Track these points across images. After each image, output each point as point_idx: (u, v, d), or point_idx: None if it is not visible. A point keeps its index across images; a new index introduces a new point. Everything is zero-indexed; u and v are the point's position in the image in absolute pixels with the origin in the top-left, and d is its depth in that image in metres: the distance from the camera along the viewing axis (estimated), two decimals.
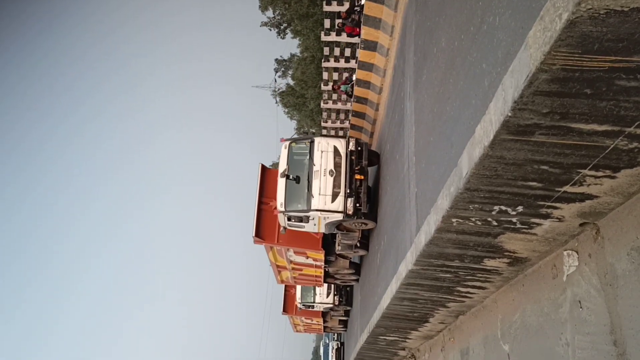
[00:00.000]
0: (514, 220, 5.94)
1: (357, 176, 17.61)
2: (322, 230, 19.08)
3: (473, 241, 6.76)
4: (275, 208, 18.95)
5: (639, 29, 3.22)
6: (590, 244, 5.69)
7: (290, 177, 18.21)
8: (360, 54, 19.73)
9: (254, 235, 21.10)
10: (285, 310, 40.64)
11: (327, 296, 35.17)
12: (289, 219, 18.91)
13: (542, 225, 5.88)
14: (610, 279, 5.23)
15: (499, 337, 8.26)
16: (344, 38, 24.94)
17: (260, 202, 21.45)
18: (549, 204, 5.40)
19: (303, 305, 36.58)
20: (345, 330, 44.02)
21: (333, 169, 17.56)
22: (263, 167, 22.41)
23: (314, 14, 37.18)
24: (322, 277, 26.93)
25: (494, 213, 5.87)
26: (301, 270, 26.21)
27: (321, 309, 37.78)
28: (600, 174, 4.71)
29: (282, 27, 43.76)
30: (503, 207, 5.72)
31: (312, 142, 18.38)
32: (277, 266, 26.16)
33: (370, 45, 18.94)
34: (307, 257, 24.11)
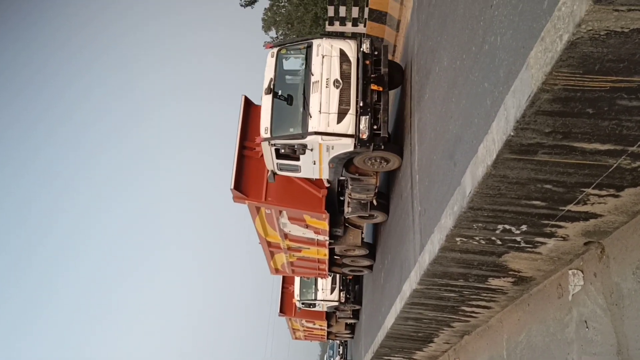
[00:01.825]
0: (518, 239, 5.92)
1: (374, 87, 12.45)
2: (325, 174, 13.99)
3: (477, 260, 6.74)
4: (258, 137, 13.43)
5: (639, 50, 3.24)
6: (596, 263, 5.66)
7: (280, 96, 13.04)
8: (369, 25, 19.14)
9: (232, 187, 15.09)
10: (282, 311, 34.16)
11: (332, 292, 29.50)
12: (278, 155, 13.47)
13: (547, 244, 5.85)
14: (616, 298, 5.19)
15: (504, 358, 8.18)
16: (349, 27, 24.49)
17: (242, 147, 15.58)
18: (553, 222, 5.38)
19: (302, 303, 30.83)
20: (352, 337, 37.44)
21: (339, 79, 12.40)
22: (247, 101, 16.28)
23: (316, 34, 36.59)
24: (327, 262, 20.95)
25: (498, 232, 5.86)
26: (299, 251, 20.01)
27: (324, 309, 31.75)
28: (604, 192, 4.70)
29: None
30: (507, 226, 5.71)
31: (309, 46, 13.23)
32: (269, 244, 19.55)
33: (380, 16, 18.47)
34: (307, 226, 17.36)
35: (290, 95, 13.03)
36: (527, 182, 4.82)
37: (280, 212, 16.74)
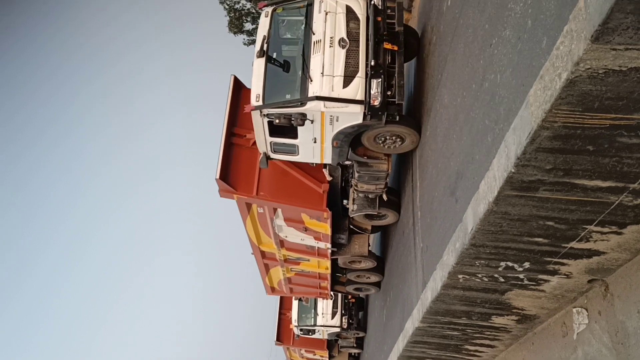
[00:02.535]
0: (521, 276, 5.87)
1: (387, 45, 10.63)
2: (328, 157, 11.65)
3: (480, 298, 6.66)
4: (249, 105, 11.20)
5: (638, 88, 3.27)
6: (600, 301, 5.59)
7: (274, 61, 11.15)
8: None
9: (217, 177, 12.74)
10: (279, 340, 30.94)
11: (333, 317, 26.58)
12: (272, 131, 11.30)
13: (550, 281, 5.80)
14: (621, 337, 5.11)
15: None
16: None
17: (230, 134, 13.32)
18: (556, 260, 5.35)
19: (301, 330, 27.65)
20: None
21: (346, 38, 10.59)
22: (237, 82, 13.85)
23: None
24: (329, 278, 18.44)
25: (500, 269, 5.81)
26: (298, 264, 17.46)
27: (325, 336, 28.70)
28: (606, 230, 4.68)
29: None
30: (510, 263, 5.66)
31: (309, 4, 11.47)
32: (263, 255, 16.96)
33: None
34: (305, 230, 14.74)
35: (286, 61, 11.20)
36: (529, 219, 4.81)
37: (275, 210, 14.00)
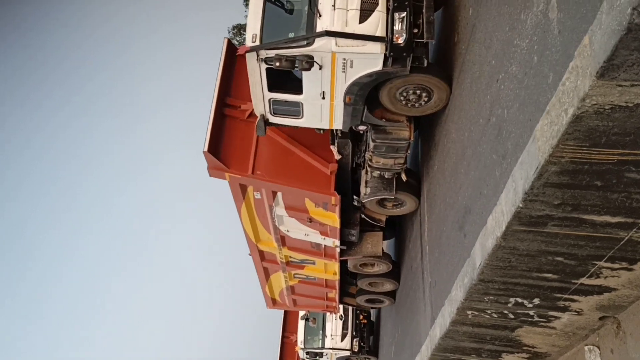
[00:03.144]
0: (531, 312, 5.79)
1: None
2: (338, 121, 9.84)
3: (490, 334, 6.56)
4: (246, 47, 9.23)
5: None
6: (612, 338, 5.49)
7: (275, 1, 9.35)
8: None
9: (205, 150, 10.55)
10: None
11: (343, 339, 23.87)
12: (271, 83, 9.34)
13: (561, 318, 5.71)
14: None
15: None
16: None
17: (222, 103, 11.29)
18: (566, 296, 5.27)
19: (307, 353, 24.97)
20: None
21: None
22: (230, 46, 12.05)
23: None
24: (338, 287, 16.04)
25: (510, 305, 5.74)
26: (302, 268, 15.20)
27: None
28: (616, 266, 4.62)
29: None
30: (519, 299, 5.59)
31: None
32: (262, 256, 14.61)
33: None
34: (310, 220, 12.40)
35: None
36: (537, 255, 4.76)
37: (274, 195, 11.64)
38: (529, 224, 4.37)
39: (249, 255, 14.58)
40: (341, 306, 21.18)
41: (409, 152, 10.24)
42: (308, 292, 17.11)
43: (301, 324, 24.49)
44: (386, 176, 11.20)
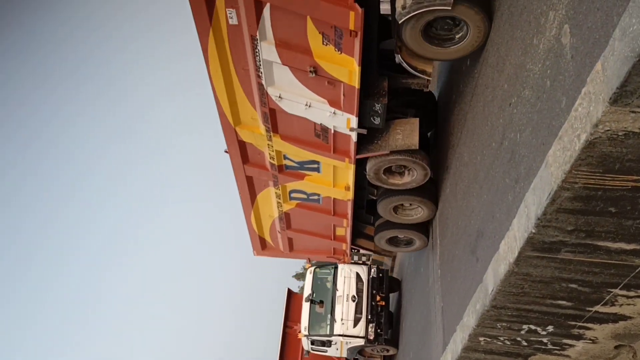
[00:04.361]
0: (545, 340, 5.68)
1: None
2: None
3: None
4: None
5: None
6: None
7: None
8: None
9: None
10: (282, 359, 23.08)
11: (356, 324, 18.99)
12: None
13: (575, 346, 5.60)
14: None
15: None
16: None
17: None
18: (581, 324, 5.18)
19: (312, 342, 19.97)
20: None
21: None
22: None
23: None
24: (351, 209, 11.54)
25: (523, 332, 5.64)
26: (301, 178, 10.82)
27: (343, 353, 19.99)
28: (632, 294, 4.53)
29: None
30: (532, 327, 5.50)
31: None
32: (243, 151, 10.28)
33: None
34: (314, 72, 8.13)
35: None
36: (551, 281, 4.69)
37: (259, 14, 7.58)
38: (542, 250, 4.31)
39: (225, 152, 10.22)
40: (351, 266, 18.43)
41: None
42: (309, 225, 12.90)
43: (305, 307, 19.66)
44: None
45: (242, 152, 10.16)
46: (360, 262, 22.56)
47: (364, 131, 8.85)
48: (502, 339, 5.88)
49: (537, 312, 5.23)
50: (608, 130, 3.10)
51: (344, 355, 18.80)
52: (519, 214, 4.45)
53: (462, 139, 8.42)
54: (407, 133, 9.23)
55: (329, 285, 18.43)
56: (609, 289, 4.57)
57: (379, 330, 17.56)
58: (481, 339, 6.02)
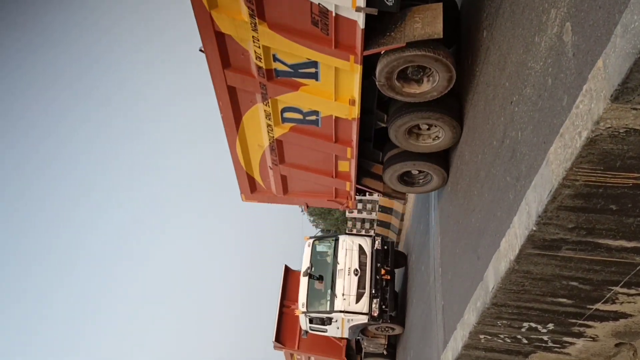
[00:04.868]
0: (545, 338, 5.69)
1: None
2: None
3: (503, 359, 6.46)
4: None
5: None
6: None
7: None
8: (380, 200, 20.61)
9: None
10: (279, 341, 20.62)
11: (358, 300, 17.10)
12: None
13: (576, 344, 5.61)
14: None
15: None
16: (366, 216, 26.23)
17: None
18: (581, 322, 5.18)
19: (310, 320, 17.99)
20: None
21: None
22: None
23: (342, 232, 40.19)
24: (356, 133, 9.08)
25: (523, 330, 5.64)
26: (296, 88, 8.51)
27: (344, 332, 17.85)
28: (632, 291, 4.54)
29: None
30: (533, 324, 5.50)
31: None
32: (220, 45, 7.89)
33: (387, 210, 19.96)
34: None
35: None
36: (551, 279, 4.69)
37: None
38: (543, 248, 4.31)
39: (201, 51, 8.20)
40: (355, 240, 17.17)
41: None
42: (306, 158, 10.45)
43: (303, 281, 18.08)
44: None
45: (221, 51, 8.05)
46: (364, 233, 22.74)
47: (374, 11, 7.00)
48: (502, 336, 5.89)
49: (537, 310, 5.23)
50: (609, 128, 3.11)
51: (345, 335, 16.95)
52: (520, 212, 4.45)
53: (463, 137, 8.42)
54: (427, 20, 7.51)
55: (330, 259, 17.13)
56: (609, 287, 4.57)
57: (383, 307, 15.91)
58: (482, 336, 6.03)
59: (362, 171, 10.76)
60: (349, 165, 10.22)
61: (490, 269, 5.28)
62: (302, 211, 19.22)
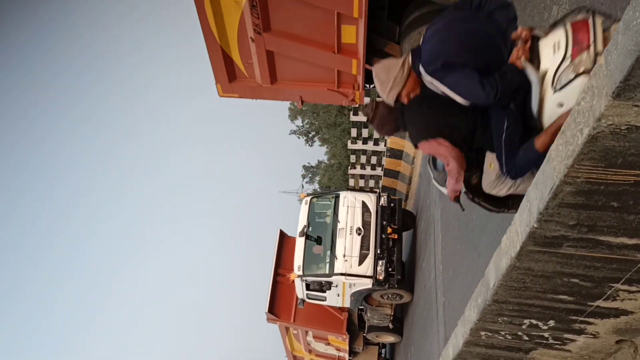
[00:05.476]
0: (546, 335, 5.69)
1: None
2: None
3: (503, 356, 6.46)
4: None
5: None
6: None
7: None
8: (386, 161, 20.23)
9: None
10: (272, 312, 18.15)
11: (361, 262, 14.68)
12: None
13: (576, 341, 5.61)
14: None
15: None
16: (370, 146, 25.52)
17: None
18: (582, 319, 5.18)
19: (307, 285, 15.73)
20: None
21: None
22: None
23: (342, 123, 38.76)
24: None
25: (524, 327, 5.65)
26: None
27: (344, 301, 15.79)
28: (633, 288, 4.53)
29: (310, 135, 45.72)
30: (534, 321, 5.50)
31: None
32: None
33: (396, 154, 19.42)
34: None
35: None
36: (553, 276, 4.69)
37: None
38: (544, 245, 4.31)
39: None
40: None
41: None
42: (299, 21, 8.28)
43: (299, 242, 15.82)
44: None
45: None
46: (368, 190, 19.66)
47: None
48: (503, 333, 5.89)
49: (538, 307, 5.24)
50: (611, 125, 3.10)
51: (347, 304, 15.12)
52: (521, 209, 4.45)
53: None
54: None
55: (329, 219, 15.38)
56: (610, 284, 4.57)
57: (390, 269, 14.20)
58: (482, 333, 6.03)
59: (373, 51, 8.57)
60: (355, 33, 7.74)
61: (491, 266, 5.28)
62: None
